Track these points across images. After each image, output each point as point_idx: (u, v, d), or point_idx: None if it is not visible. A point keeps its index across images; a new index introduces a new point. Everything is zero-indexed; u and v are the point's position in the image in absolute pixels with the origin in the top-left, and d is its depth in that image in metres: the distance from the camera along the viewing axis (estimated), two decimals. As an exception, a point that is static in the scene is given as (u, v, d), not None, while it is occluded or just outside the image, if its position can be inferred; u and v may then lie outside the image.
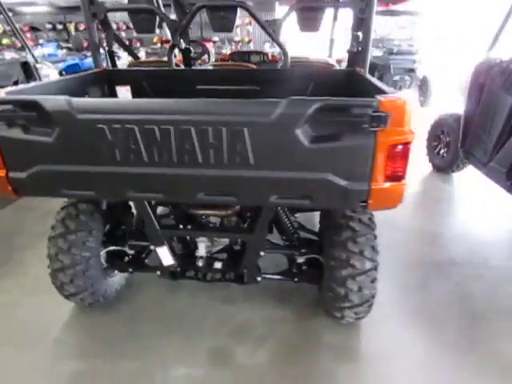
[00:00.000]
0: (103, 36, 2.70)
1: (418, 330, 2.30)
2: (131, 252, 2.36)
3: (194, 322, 2.34)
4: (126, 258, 2.39)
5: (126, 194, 1.64)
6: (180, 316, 2.39)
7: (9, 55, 8.53)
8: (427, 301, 2.54)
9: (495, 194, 3.69)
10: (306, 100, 1.41)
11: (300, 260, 2.25)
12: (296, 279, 2.24)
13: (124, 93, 2.65)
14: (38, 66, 4.28)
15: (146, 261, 2.43)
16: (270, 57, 4.55)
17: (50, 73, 4.39)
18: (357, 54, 2.44)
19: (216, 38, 13.83)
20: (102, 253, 2.32)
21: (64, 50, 9.91)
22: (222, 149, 1.47)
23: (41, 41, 12.46)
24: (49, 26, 13.81)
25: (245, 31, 14.08)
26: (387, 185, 1.52)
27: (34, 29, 13.18)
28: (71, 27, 13.69)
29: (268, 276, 2.22)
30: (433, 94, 8.50)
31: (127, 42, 13.52)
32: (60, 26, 13.86)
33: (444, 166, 4.69)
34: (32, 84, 2.27)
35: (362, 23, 2.33)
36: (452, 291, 2.62)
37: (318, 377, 2.00)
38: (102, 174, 1.58)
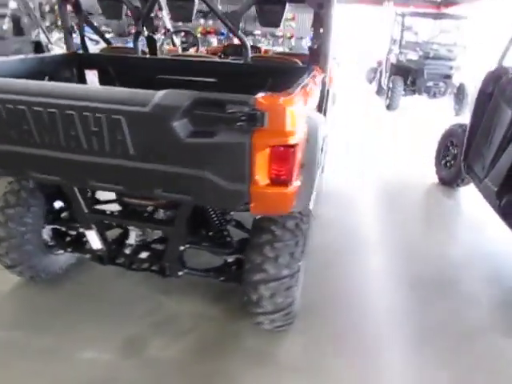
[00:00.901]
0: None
1: (345, 346, 2.17)
2: (73, 232, 2.42)
3: (126, 309, 2.35)
4: (68, 238, 2.45)
5: (29, 173, 1.67)
6: (116, 301, 2.42)
7: (55, 35, 9.09)
8: (367, 318, 2.39)
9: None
10: (182, 93, 1.36)
11: (230, 259, 2.19)
12: (222, 278, 2.18)
13: (91, 76, 2.71)
14: (50, 46, 4.52)
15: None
16: (262, 52, 4.47)
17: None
18: (317, 52, 2.33)
19: (258, 32, 13.81)
20: (46, 230, 2.38)
21: (109, 35, 10.31)
22: (103, 137, 1.46)
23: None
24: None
25: (288, 26, 13.96)
26: (270, 188, 1.43)
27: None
28: (120, 13, 14.29)
29: (193, 272, 2.19)
30: (469, 102, 7.93)
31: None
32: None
33: (449, 180, 4.38)
34: (12, 58, 2.38)
35: (321, 19, 2.22)
36: (398, 309, 2.45)
37: (220, 378, 1.95)
38: (4, 152, 1.63)
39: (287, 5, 2.29)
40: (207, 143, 1.39)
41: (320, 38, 2.28)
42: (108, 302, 2.41)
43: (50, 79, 2.47)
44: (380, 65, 9.91)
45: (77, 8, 2.62)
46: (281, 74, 2.23)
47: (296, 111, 1.36)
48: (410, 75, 8.36)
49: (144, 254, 2.20)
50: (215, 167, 1.42)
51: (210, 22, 14.01)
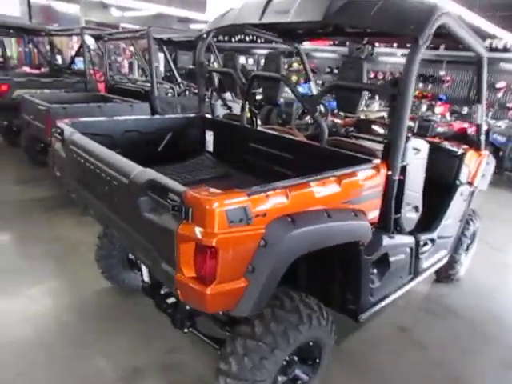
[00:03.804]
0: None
1: None
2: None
3: (154, 340, 2.63)
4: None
5: (84, 203, 2.19)
6: (152, 329, 2.72)
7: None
8: None
9: None
10: (145, 172, 1.52)
11: (231, 335, 2.14)
12: (219, 351, 2.14)
13: (209, 137, 3.20)
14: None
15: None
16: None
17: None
18: (388, 146, 2.05)
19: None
20: (131, 251, 2.95)
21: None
22: (114, 196, 1.77)
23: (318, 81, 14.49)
24: (327, 70, 16.21)
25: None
26: (192, 282, 1.40)
27: (312, 71, 15.65)
28: (345, 72, 15.45)
29: (196, 333, 2.24)
30: None
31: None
32: (336, 71, 16.04)
33: None
34: (145, 117, 3.15)
35: (394, 112, 1.96)
36: None
37: None
38: (72, 184, 2.20)
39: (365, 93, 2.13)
40: (155, 222, 1.50)
41: (392, 132, 2.01)
42: (146, 326, 2.74)
43: (174, 135, 3.06)
44: None
45: (209, 81, 3.17)
46: (347, 163, 2.07)
47: (228, 212, 1.31)
48: None
49: (170, 300, 2.41)
50: (158, 245, 1.51)
51: (429, 87, 13.32)
